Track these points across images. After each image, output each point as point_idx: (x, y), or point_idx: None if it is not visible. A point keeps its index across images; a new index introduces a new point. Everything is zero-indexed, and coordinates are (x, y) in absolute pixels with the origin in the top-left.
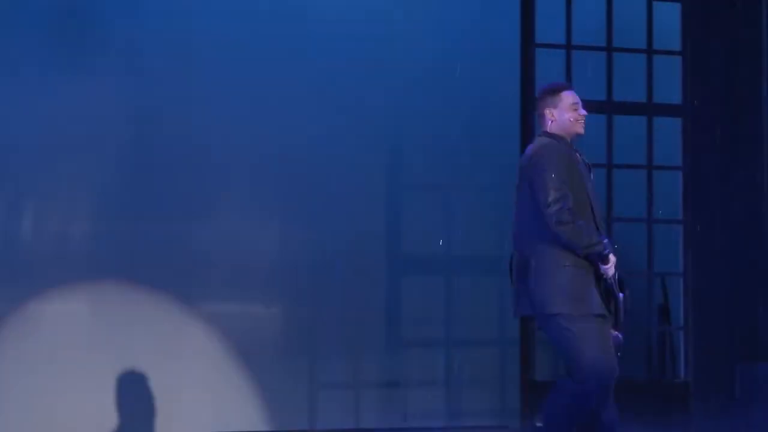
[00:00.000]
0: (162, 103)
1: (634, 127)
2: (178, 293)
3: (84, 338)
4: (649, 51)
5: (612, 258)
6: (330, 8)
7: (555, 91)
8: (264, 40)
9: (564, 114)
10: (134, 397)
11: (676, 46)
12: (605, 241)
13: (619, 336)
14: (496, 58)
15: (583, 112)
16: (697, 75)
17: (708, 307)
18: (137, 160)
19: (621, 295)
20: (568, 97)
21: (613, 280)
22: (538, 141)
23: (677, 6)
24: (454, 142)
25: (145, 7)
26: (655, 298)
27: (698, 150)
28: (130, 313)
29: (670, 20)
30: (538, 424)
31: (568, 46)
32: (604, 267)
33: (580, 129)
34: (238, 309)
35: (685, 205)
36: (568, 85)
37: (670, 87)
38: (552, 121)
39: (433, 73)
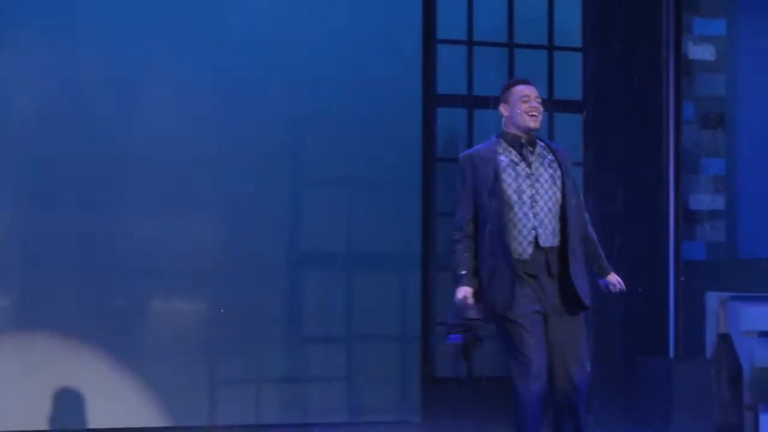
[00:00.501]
0: (59, 97)
1: None
2: (78, 290)
3: None
4: (550, 47)
5: (459, 291)
6: (233, 3)
7: (508, 86)
8: (167, 36)
9: (514, 107)
10: (34, 393)
11: (577, 42)
12: (462, 274)
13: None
14: (399, 52)
15: (535, 104)
16: (597, 71)
17: (608, 303)
18: (35, 157)
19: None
20: (519, 91)
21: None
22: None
23: (578, 3)
24: (356, 137)
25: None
26: None
27: (599, 146)
28: (30, 309)
29: (571, 17)
30: None
31: (470, 42)
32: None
33: (531, 122)
34: (137, 305)
35: (586, 202)
36: (524, 80)
37: (571, 83)
38: (505, 117)
39: (335, 68)
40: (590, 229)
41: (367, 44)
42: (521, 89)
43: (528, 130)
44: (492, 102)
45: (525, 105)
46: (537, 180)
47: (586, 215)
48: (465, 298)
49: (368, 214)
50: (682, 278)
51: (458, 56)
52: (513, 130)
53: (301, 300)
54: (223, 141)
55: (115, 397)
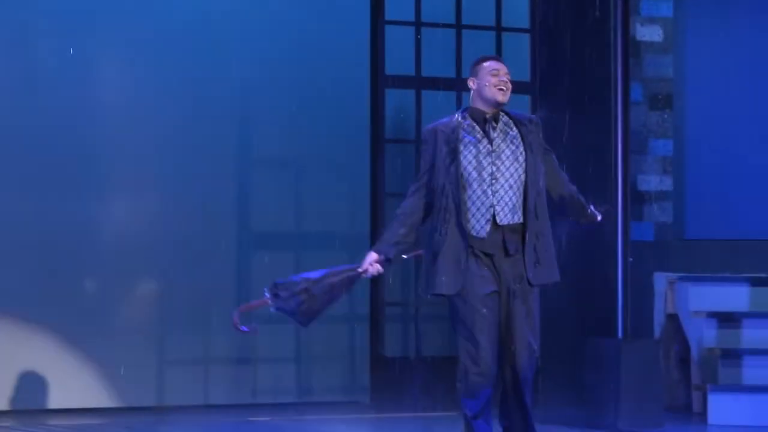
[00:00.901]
0: (7, 82)
1: None
2: (27, 271)
3: None
4: (498, 29)
5: (369, 254)
6: None
7: (478, 61)
8: (113, 21)
9: (482, 80)
10: None
11: (525, 23)
12: (381, 238)
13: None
14: (347, 34)
15: (504, 79)
16: (545, 52)
17: (559, 286)
18: None
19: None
20: (489, 65)
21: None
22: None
23: None
24: (305, 118)
25: None
26: None
27: (546, 127)
28: None
29: None
30: None
31: (418, 23)
32: None
33: (499, 96)
34: (86, 286)
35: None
36: (494, 56)
37: (519, 65)
38: (473, 91)
39: (283, 50)
40: (570, 186)
41: (315, 25)
42: (491, 64)
43: (496, 104)
44: (441, 83)
45: (494, 79)
46: (498, 157)
47: (564, 174)
48: (369, 262)
49: (317, 195)
50: (630, 259)
51: (406, 37)
52: (479, 105)
53: (250, 280)
54: (170, 122)
55: (63, 378)
